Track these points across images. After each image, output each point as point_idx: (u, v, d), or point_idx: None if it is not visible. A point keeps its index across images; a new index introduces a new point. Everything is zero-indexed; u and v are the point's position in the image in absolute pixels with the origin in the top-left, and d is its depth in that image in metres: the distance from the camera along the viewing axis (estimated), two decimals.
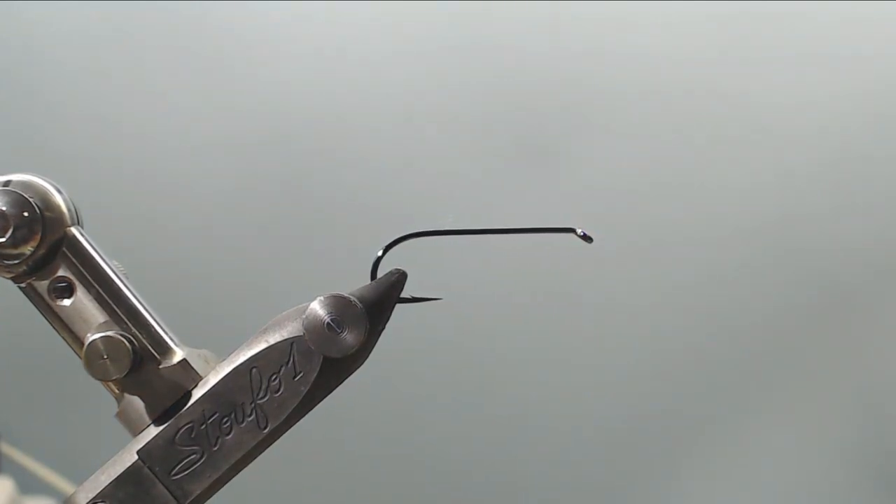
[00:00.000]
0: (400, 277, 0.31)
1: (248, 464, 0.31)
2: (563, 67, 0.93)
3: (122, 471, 0.31)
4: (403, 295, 0.31)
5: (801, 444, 0.94)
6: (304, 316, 0.31)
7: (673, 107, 0.92)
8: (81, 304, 0.32)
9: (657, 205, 0.90)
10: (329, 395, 0.31)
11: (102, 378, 0.31)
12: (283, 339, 0.31)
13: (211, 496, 0.31)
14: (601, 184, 0.91)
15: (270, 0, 0.92)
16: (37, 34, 0.92)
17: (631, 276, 0.92)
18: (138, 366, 0.31)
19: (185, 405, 0.31)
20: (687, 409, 0.95)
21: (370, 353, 0.32)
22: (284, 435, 0.31)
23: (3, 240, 0.31)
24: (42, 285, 0.32)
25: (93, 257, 0.32)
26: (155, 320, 0.32)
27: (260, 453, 0.31)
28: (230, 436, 0.31)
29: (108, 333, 0.31)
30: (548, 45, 0.93)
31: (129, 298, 0.32)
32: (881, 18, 0.89)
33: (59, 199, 0.32)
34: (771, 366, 0.94)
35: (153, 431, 0.31)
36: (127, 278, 0.32)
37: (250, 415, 0.31)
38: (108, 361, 0.31)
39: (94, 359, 0.31)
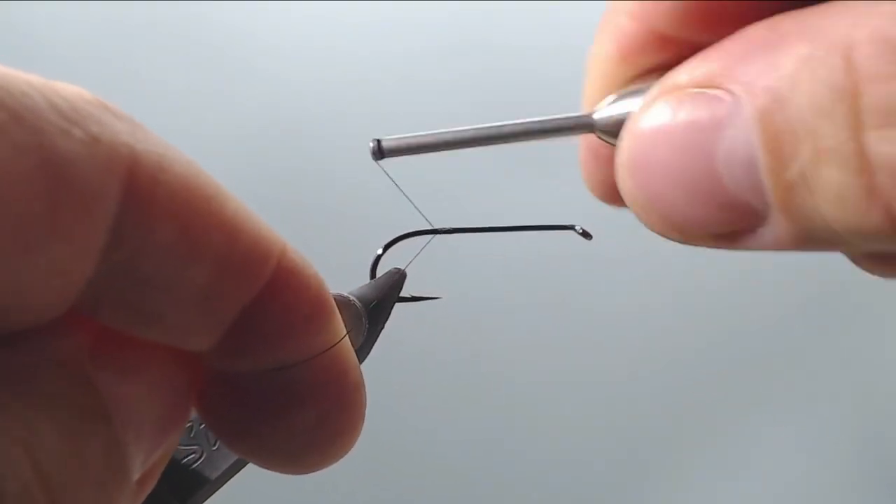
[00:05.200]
0: (399, 277, 0.31)
1: (247, 463, 0.31)
2: (564, 67, 0.93)
3: None
4: (403, 294, 0.31)
5: (801, 445, 0.94)
6: None
7: None
8: None
9: None
10: None
11: None
12: None
13: (211, 495, 0.31)
14: None
15: (269, 0, 0.92)
16: (36, 34, 0.92)
17: (631, 273, 0.92)
18: None
19: None
20: (686, 408, 0.95)
21: (369, 352, 0.32)
22: None
23: None
24: None
25: None
26: None
27: None
28: None
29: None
30: (549, 45, 0.93)
31: None
32: None
33: None
34: (771, 366, 0.94)
35: None
36: None
37: None
38: None
39: None
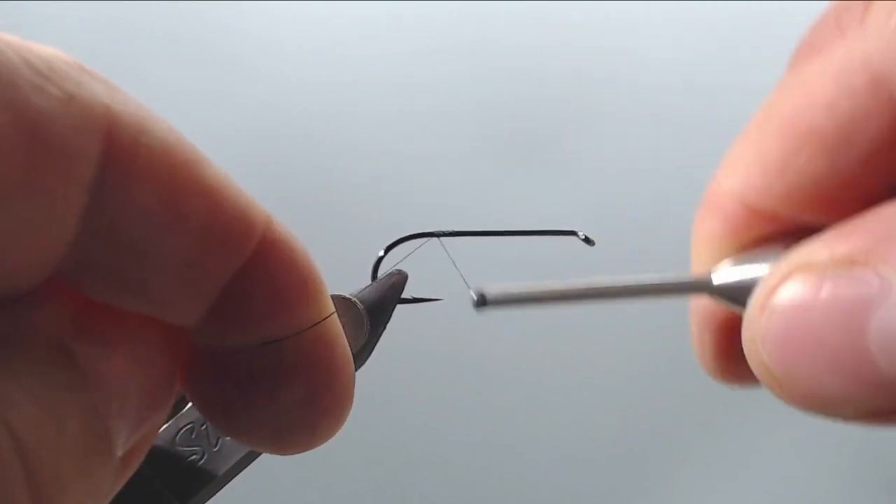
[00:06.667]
0: (400, 278, 0.31)
1: (248, 464, 0.31)
2: (565, 67, 0.92)
3: None
4: (404, 296, 0.31)
5: (800, 444, 0.94)
6: None
7: (676, 107, 0.91)
8: None
9: (660, 207, 0.90)
10: None
11: None
12: None
13: (212, 496, 0.31)
14: (604, 186, 0.91)
15: (269, 0, 0.92)
16: (37, 34, 0.91)
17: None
18: None
19: (185, 406, 0.31)
20: (686, 408, 0.95)
21: (371, 353, 0.32)
22: None
23: None
24: None
25: None
26: None
27: (260, 454, 0.31)
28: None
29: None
30: (550, 45, 0.93)
31: None
32: None
33: None
34: None
35: None
36: None
37: None
38: None
39: None
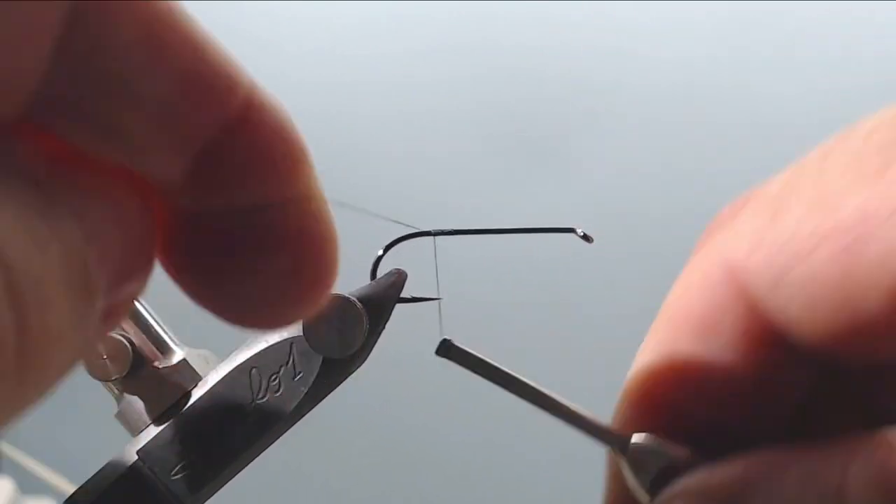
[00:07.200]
0: (400, 277, 0.31)
1: (247, 464, 0.31)
2: (565, 67, 0.93)
3: (121, 470, 0.31)
4: (403, 295, 0.31)
5: None
6: None
7: (677, 107, 0.92)
8: None
9: (659, 205, 0.90)
10: (329, 396, 0.32)
11: (102, 378, 0.31)
12: (282, 339, 0.31)
13: (211, 496, 0.31)
14: (603, 184, 0.91)
15: (269, 0, 0.92)
16: None
17: (631, 275, 0.92)
18: (138, 366, 0.31)
19: (184, 405, 0.31)
20: None
21: (370, 353, 0.32)
22: (283, 435, 0.32)
23: None
24: None
25: None
26: (155, 320, 0.32)
27: (259, 454, 0.31)
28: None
29: (109, 333, 0.31)
30: (551, 45, 0.93)
31: None
32: (883, 19, 0.89)
33: None
34: None
35: (153, 431, 0.31)
36: None
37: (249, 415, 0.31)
38: (107, 361, 0.31)
39: (93, 359, 0.31)
